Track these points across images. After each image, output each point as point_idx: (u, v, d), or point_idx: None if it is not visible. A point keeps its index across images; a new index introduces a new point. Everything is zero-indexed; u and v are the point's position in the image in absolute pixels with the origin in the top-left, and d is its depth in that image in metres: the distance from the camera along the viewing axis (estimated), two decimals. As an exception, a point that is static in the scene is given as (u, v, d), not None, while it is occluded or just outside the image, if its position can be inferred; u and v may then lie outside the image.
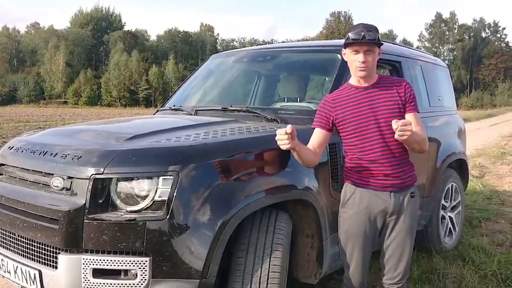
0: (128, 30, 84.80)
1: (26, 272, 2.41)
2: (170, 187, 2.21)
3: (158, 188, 2.22)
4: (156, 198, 2.22)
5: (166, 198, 2.20)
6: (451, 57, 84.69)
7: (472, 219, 5.62)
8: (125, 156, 2.30)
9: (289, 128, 2.30)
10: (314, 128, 2.65)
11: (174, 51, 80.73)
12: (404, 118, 2.50)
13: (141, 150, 2.38)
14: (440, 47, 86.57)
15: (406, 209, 2.60)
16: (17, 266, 2.46)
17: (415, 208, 2.67)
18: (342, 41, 2.65)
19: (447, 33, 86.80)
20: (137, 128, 3.04)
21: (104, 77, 72.36)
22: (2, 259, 2.57)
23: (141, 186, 2.25)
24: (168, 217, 2.19)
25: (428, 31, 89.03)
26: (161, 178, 2.23)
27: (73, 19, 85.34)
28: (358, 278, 2.70)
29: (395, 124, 2.32)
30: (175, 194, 2.20)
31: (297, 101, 3.68)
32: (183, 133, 2.68)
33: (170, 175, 2.22)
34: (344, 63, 3.23)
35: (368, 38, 2.45)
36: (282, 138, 2.32)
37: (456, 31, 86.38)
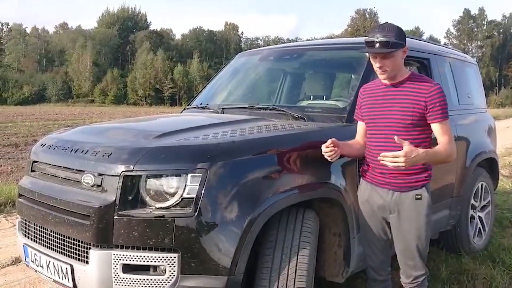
0: (154, 30, 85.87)
1: (58, 267, 2.46)
2: (198, 184, 2.22)
3: (187, 185, 2.24)
4: (185, 195, 2.23)
5: (194, 196, 2.22)
6: (480, 54, 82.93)
7: (502, 219, 5.51)
8: (154, 153, 2.32)
9: (328, 142, 2.49)
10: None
11: (199, 50, 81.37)
12: (415, 122, 2.51)
13: (170, 147, 2.40)
14: (468, 44, 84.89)
15: (409, 211, 2.57)
16: (49, 261, 2.52)
17: (422, 211, 2.58)
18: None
19: (475, 29, 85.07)
20: (165, 126, 3.06)
21: (130, 76, 73.36)
22: (35, 254, 2.63)
23: (170, 183, 2.27)
24: (196, 214, 2.20)
25: (455, 28, 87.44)
26: (189, 175, 2.24)
27: (100, 19, 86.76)
28: (375, 261, 2.78)
29: (387, 156, 2.36)
30: (203, 191, 2.22)
31: (323, 99, 3.67)
32: (211, 131, 2.69)
33: (198, 173, 2.24)
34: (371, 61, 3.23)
35: (380, 44, 2.43)
36: (325, 151, 2.52)
37: (484, 27, 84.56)
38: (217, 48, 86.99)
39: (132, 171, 2.27)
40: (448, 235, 4.21)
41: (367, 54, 3.30)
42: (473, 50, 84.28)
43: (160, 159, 2.30)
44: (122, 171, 2.27)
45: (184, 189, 2.24)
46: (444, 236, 4.19)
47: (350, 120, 3.07)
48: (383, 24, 2.55)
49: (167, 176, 2.28)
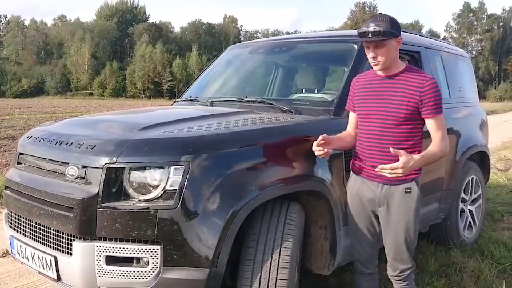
0: (153, 22, 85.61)
1: (42, 259, 2.47)
2: (181, 176, 2.22)
3: (170, 177, 2.24)
4: (168, 187, 2.23)
5: (177, 188, 2.22)
6: (479, 48, 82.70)
7: (494, 213, 5.54)
8: (137, 146, 2.32)
9: (320, 138, 2.46)
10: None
11: (198, 42, 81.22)
12: (408, 116, 2.49)
13: (153, 140, 2.40)
14: (468, 38, 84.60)
15: (399, 204, 2.57)
16: (34, 253, 2.53)
17: (411, 204, 2.58)
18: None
19: (475, 23, 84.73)
20: (151, 119, 3.06)
21: (129, 69, 73.19)
22: (20, 246, 2.64)
23: (153, 176, 2.27)
24: (179, 206, 2.20)
25: (455, 22, 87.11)
26: (172, 168, 2.24)
27: (98, 12, 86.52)
28: (362, 254, 2.78)
29: (385, 168, 2.35)
30: (186, 183, 2.22)
31: (313, 92, 3.67)
32: (196, 124, 2.69)
33: (181, 165, 2.24)
34: (360, 53, 3.23)
35: (372, 33, 2.42)
36: (315, 150, 2.50)
37: (484, 21, 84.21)
38: (216, 41, 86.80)
39: (115, 163, 2.27)
40: (438, 228, 4.23)
41: (356, 46, 3.34)
42: (473, 44, 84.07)
43: (143, 151, 2.30)
44: (105, 163, 2.27)
45: (167, 181, 2.24)
46: (434, 229, 4.21)
47: (337, 113, 3.08)
48: (376, 14, 2.56)
49: (150, 169, 2.27)
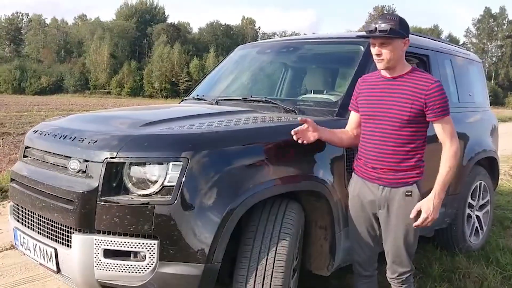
0: (171, 23, 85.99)
1: (43, 250, 2.52)
2: (179, 173, 2.25)
3: (168, 173, 2.26)
4: (166, 183, 2.26)
5: (175, 184, 2.24)
6: (499, 54, 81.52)
7: (504, 220, 5.47)
8: (137, 141, 2.36)
9: (300, 119, 2.50)
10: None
11: (215, 44, 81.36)
12: (411, 118, 2.48)
13: (153, 136, 2.43)
14: (488, 44, 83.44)
15: (399, 207, 2.57)
16: (36, 244, 2.58)
17: (412, 208, 2.54)
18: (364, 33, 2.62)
19: (495, 28, 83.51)
20: (154, 115, 3.09)
21: (146, 68, 73.67)
22: (23, 237, 2.70)
23: (151, 171, 2.30)
24: (176, 202, 2.23)
25: (475, 27, 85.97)
26: (171, 164, 2.27)
27: (118, 12, 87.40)
28: (362, 256, 2.78)
29: (419, 225, 2.51)
30: (184, 180, 2.24)
31: (321, 93, 3.67)
32: (197, 121, 2.71)
33: (179, 161, 2.26)
34: (366, 55, 3.23)
35: (380, 30, 2.42)
36: (293, 133, 2.53)
37: (505, 26, 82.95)
38: (234, 42, 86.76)
39: (115, 158, 2.30)
40: (443, 233, 4.19)
41: (362, 48, 3.33)
42: (493, 50, 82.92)
43: (143, 147, 2.33)
44: (106, 158, 2.31)
45: (165, 177, 2.27)
46: (439, 234, 4.18)
47: (341, 114, 3.08)
48: (386, 13, 2.56)
49: (149, 164, 2.31)
